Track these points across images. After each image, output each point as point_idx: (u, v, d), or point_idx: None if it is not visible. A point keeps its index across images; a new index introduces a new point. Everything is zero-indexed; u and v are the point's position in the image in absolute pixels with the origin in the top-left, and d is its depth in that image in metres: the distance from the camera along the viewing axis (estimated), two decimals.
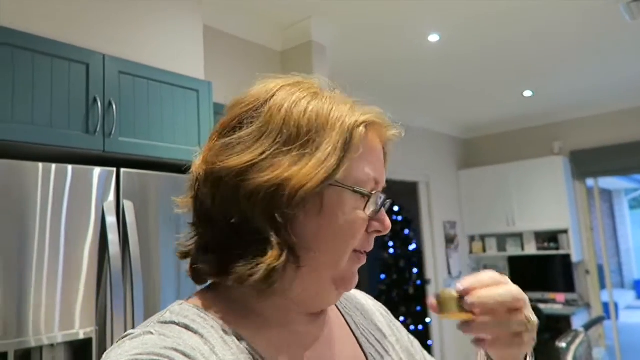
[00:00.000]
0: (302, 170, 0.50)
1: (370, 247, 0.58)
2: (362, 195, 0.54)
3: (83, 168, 1.64)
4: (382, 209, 0.57)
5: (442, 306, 0.53)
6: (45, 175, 1.56)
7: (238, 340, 0.52)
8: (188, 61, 2.25)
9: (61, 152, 1.72)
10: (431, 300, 0.55)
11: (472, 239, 5.93)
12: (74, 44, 1.80)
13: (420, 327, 5.55)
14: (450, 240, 5.55)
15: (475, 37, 3.36)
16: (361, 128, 0.55)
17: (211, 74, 2.47)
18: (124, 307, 1.64)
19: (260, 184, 0.50)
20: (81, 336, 1.55)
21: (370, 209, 0.55)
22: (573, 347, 1.49)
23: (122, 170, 1.74)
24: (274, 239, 0.50)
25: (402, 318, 5.74)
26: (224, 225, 0.52)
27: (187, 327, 0.51)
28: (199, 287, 0.60)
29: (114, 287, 1.61)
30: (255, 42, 3.04)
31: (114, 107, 1.83)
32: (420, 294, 5.53)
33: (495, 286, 0.53)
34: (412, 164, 5.20)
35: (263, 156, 0.51)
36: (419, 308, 5.60)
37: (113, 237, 1.65)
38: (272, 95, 0.55)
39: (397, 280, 5.91)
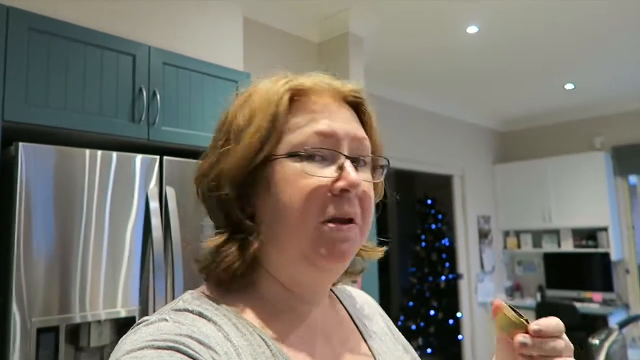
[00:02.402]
0: (233, 157, 0.55)
1: (344, 211, 0.54)
2: (300, 156, 0.53)
3: (127, 155, 1.72)
4: (345, 165, 0.54)
5: (502, 324, 0.56)
6: (92, 161, 1.65)
7: (250, 327, 0.54)
8: (228, 53, 2.31)
9: (108, 139, 1.81)
10: (498, 304, 0.57)
11: (506, 234, 5.84)
12: (122, 36, 1.88)
13: (450, 321, 5.53)
14: (484, 235, 5.49)
15: (514, 29, 3.30)
16: (285, 98, 0.55)
17: (250, 65, 2.52)
18: (165, 288, 1.72)
19: (208, 182, 0.57)
20: (123, 314, 1.64)
21: (327, 169, 0.54)
22: (606, 344, 1.47)
23: (165, 158, 1.82)
24: (245, 223, 0.56)
25: (432, 312, 5.73)
26: (216, 221, 0.60)
27: (200, 315, 0.53)
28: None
29: (157, 269, 1.69)
30: (293, 33, 3.08)
31: (158, 97, 1.90)
32: (452, 288, 5.50)
33: (558, 339, 0.53)
34: (446, 157, 5.15)
35: (218, 154, 0.58)
36: (450, 302, 5.58)
37: (156, 221, 1.73)
38: (231, 106, 0.62)
39: (429, 273, 5.89)
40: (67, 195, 1.58)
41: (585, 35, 3.44)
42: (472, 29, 3.27)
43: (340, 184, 0.53)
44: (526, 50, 3.69)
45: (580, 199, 5.16)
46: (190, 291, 0.59)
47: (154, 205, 1.75)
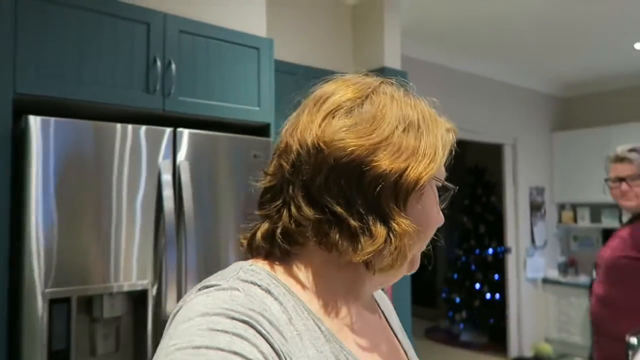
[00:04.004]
0: (421, 161, 0.55)
1: None
2: (445, 189, 0.61)
3: (144, 128, 1.70)
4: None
5: None
6: (105, 134, 1.63)
7: (306, 310, 0.54)
8: (249, 18, 2.21)
9: (122, 111, 1.79)
10: None
11: (561, 207, 5.49)
12: (136, 4, 1.83)
13: (497, 295, 5.34)
14: (536, 208, 5.18)
15: None
16: (450, 133, 0.61)
17: (274, 31, 2.41)
18: (178, 261, 1.71)
19: (386, 170, 0.53)
20: (135, 287, 1.64)
21: (442, 202, 0.62)
22: None
23: (179, 129, 1.78)
24: (401, 219, 0.54)
25: (477, 285, 5.55)
26: (337, 199, 0.54)
27: (268, 292, 0.52)
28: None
29: (168, 242, 1.67)
30: None
31: (173, 66, 1.85)
32: (500, 262, 5.28)
33: None
34: (497, 125, 4.84)
35: (388, 140, 0.54)
36: (497, 276, 5.37)
37: (168, 193, 1.70)
38: (377, 87, 0.59)
39: (476, 246, 5.68)
40: (78, 167, 1.58)
41: None
42: None
43: (440, 220, 0.62)
44: (590, 5, 3.32)
45: None
46: (247, 262, 0.58)
47: (166, 177, 1.72)
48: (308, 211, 0.54)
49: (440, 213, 0.62)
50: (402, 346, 0.68)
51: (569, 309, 4.97)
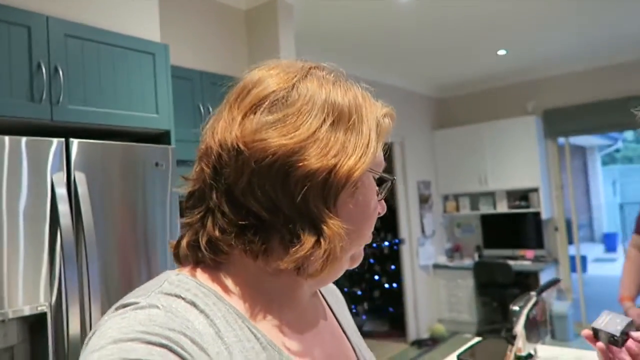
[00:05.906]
0: (352, 155, 0.51)
1: None
2: (384, 180, 0.58)
3: (29, 139, 1.57)
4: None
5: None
6: None
7: (240, 318, 0.51)
8: (142, 22, 2.14)
9: (6, 122, 1.63)
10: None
11: (445, 198, 6.00)
12: (13, 5, 1.68)
13: (394, 284, 5.68)
14: (424, 200, 5.61)
15: None
16: (387, 119, 0.57)
17: (168, 35, 2.36)
18: (79, 280, 1.61)
19: (313, 168, 0.49)
20: (29, 312, 1.52)
21: (381, 193, 0.58)
22: (525, 311, 1.52)
23: (72, 140, 1.67)
24: (331, 221, 0.50)
25: (376, 277, 5.86)
26: (262, 204, 0.50)
27: (193, 304, 0.49)
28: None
29: (67, 260, 1.57)
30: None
31: (61, 72, 1.73)
32: (395, 253, 5.62)
33: None
34: None
35: (315, 136, 0.50)
36: (393, 267, 5.71)
37: (64, 209, 1.60)
38: (305, 74, 0.54)
39: (372, 239, 5.98)
40: None
41: (517, 2, 3.47)
42: None
43: (380, 209, 0.59)
44: (459, 17, 3.68)
45: (513, 162, 5.35)
46: (174, 271, 0.54)
47: (61, 191, 1.61)
48: (232, 217, 0.51)
49: (382, 203, 0.59)
50: (352, 345, 0.65)
51: (457, 290, 5.45)
